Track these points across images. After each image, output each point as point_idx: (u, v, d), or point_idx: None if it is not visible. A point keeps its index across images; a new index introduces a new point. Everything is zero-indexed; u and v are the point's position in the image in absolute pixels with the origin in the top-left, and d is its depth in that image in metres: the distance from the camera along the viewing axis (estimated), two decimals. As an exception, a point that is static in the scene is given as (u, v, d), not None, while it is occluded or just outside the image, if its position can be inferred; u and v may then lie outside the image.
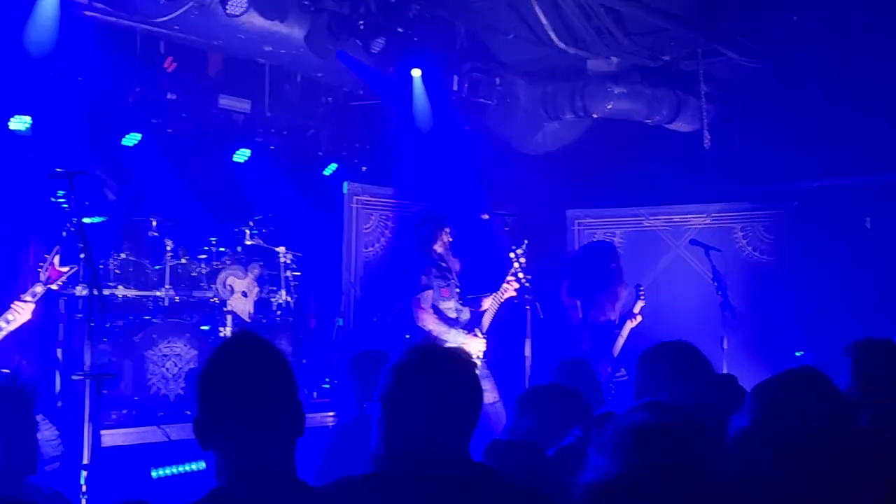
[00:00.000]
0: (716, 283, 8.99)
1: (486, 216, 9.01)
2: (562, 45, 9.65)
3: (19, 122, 8.86)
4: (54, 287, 6.35)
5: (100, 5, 7.88)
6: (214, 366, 2.66)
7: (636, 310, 9.17)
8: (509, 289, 8.34)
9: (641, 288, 9.39)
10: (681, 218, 10.76)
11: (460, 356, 3.12)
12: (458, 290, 8.58)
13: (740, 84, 10.32)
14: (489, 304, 8.47)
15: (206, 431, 2.61)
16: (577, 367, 5.58)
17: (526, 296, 8.20)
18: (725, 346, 8.67)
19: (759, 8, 9.25)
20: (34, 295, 6.15)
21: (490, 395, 8.43)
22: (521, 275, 8.27)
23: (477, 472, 2.96)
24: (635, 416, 2.54)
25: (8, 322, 6.10)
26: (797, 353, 9.44)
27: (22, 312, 6.10)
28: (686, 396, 4.08)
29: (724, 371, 7.41)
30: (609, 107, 10.15)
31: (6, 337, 6.23)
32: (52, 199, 8.46)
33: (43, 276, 6.20)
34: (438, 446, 2.90)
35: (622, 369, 8.45)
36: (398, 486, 2.85)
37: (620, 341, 9.03)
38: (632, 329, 9.13)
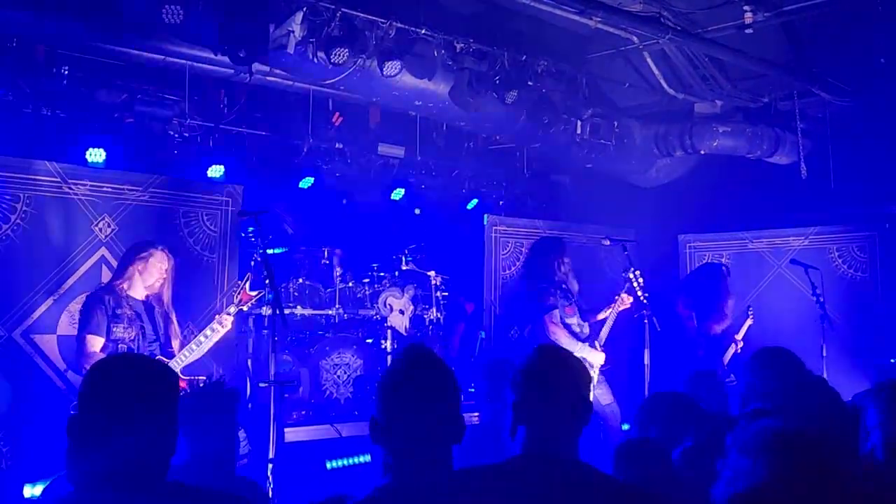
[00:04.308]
0: (815, 298, 8.76)
1: (607, 242, 8.91)
2: (671, 92, 9.57)
3: (215, 171, 9.14)
4: (244, 308, 6.49)
5: (279, 71, 8.06)
6: (392, 375, 2.67)
7: (743, 330, 8.99)
8: (623, 301, 8.24)
9: (751, 309, 9.21)
10: (782, 240, 10.47)
11: (576, 359, 3.05)
12: (577, 308, 8.50)
13: (833, 120, 10.00)
14: (606, 314, 8.36)
15: (379, 430, 2.63)
16: (707, 377, 5.66)
17: (644, 311, 8.09)
18: (825, 354, 8.51)
19: (847, 52, 8.95)
20: (229, 314, 6.31)
21: (606, 397, 8.38)
22: (639, 293, 8.16)
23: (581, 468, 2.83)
24: (769, 422, 2.47)
25: (213, 330, 6.23)
26: (892, 360, 9.05)
27: (225, 324, 6.24)
28: (781, 395, 3.97)
29: (824, 376, 7.16)
30: (715, 144, 9.97)
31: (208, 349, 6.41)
32: (243, 235, 8.67)
33: (236, 299, 6.35)
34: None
35: (731, 375, 8.24)
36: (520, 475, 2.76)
37: (730, 352, 8.84)
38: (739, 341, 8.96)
